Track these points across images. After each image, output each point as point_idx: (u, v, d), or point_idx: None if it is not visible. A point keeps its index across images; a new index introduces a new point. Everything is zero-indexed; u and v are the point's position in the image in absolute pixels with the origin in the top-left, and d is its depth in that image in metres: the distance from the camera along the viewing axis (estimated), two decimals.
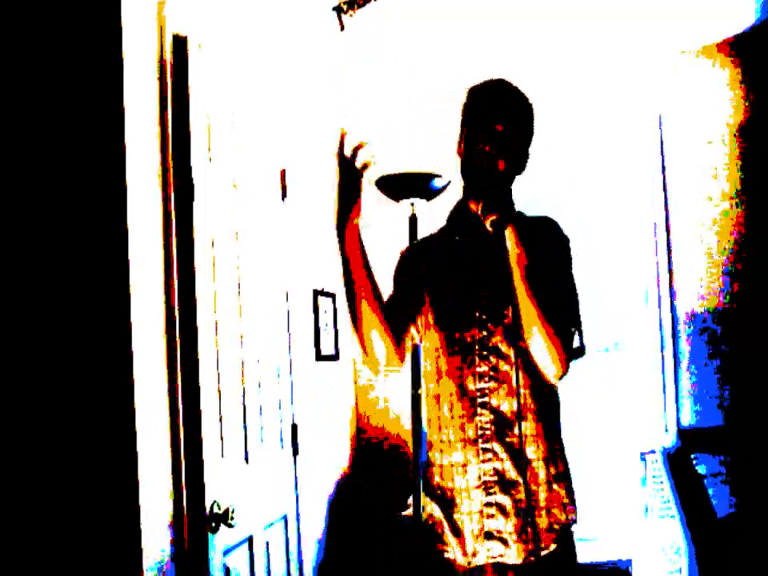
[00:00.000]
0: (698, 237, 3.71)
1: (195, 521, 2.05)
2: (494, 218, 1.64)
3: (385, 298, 1.80)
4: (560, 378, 1.69)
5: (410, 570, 3.22)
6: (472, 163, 1.77)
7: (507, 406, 1.73)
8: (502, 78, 1.82)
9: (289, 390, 2.90)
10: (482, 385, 1.74)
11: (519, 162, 1.81)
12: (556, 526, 1.73)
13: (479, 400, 1.74)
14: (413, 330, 1.85)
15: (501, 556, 1.71)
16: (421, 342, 1.87)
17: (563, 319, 1.69)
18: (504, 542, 1.71)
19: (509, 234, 1.64)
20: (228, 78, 2.49)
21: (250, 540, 2.40)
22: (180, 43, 2.13)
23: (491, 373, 1.74)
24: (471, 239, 1.83)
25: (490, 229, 1.65)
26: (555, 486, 1.74)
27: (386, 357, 1.74)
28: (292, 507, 2.85)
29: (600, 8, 3.23)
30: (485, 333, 1.75)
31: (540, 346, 1.64)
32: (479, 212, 1.68)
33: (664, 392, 3.74)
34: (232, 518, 2.13)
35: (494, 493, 1.72)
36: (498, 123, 1.73)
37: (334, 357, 3.82)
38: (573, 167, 4.00)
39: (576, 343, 1.73)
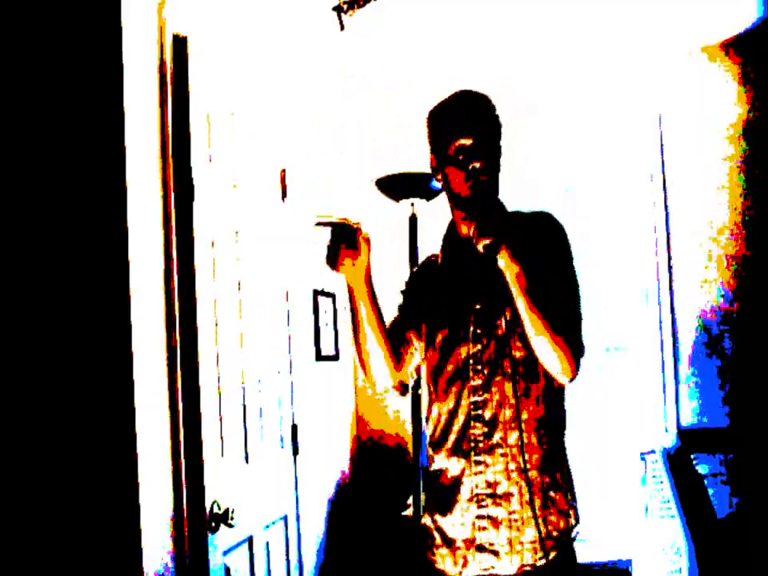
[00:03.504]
0: (697, 236, 3.71)
1: (195, 521, 2.05)
2: (486, 242, 1.60)
3: (382, 307, 1.84)
4: (571, 380, 1.68)
5: (410, 571, 3.22)
6: (452, 188, 1.78)
7: (500, 417, 1.72)
8: (455, 92, 1.81)
9: (289, 390, 2.90)
10: (475, 398, 1.74)
11: (498, 158, 1.79)
12: (555, 534, 1.71)
13: (473, 413, 1.74)
14: (412, 349, 1.90)
15: (492, 568, 1.70)
16: (423, 360, 1.89)
17: (569, 323, 1.68)
18: (496, 553, 1.70)
19: (503, 255, 1.61)
20: (228, 78, 2.49)
21: (249, 540, 2.40)
22: (180, 43, 2.13)
23: (485, 386, 1.74)
24: (464, 256, 1.82)
25: (481, 251, 1.62)
26: (552, 494, 1.72)
27: (388, 377, 1.86)
28: (292, 507, 2.85)
29: (601, 8, 3.23)
30: (479, 346, 1.75)
31: (548, 356, 1.64)
32: (471, 236, 1.64)
33: (664, 392, 3.74)
34: (232, 518, 2.13)
35: (486, 506, 1.71)
36: (460, 138, 1.73)
37: (334, 357, 3.82)
38: (573, 167, 4.00)
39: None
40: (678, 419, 3.69)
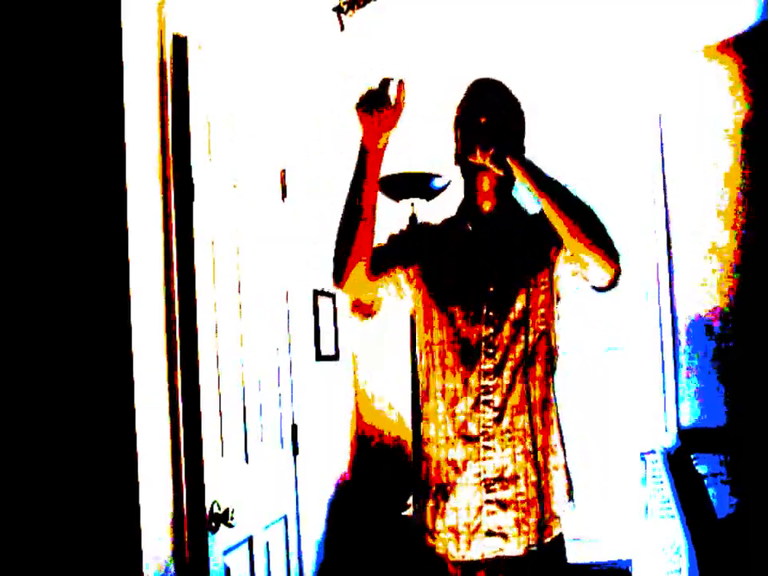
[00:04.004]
0: (697, 236, 3.71)
1: (195, 521, 2.05)
2: (491, 152, 1.68)
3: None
4: (613, 282, 1.68)
5: (410, 571, 3.22)
6: (462, 147, 1.82)
7: (510, 402, 1.73)
8: (485, 77, 1.87)
9: (289, 390, 2.90)
10: (486, 382, 1.74)
11: (516, 143, 1.83)
12: (556, 513, 1.76)
13: (483, 397, 1.74)
14: (386, 277, 1.86)
15: (501, 551, 1.72)
16: (430, 336, 1.85)
17: (599, 228, 1.66)
18: (504, 536, 1.72)
19: (512, 165, 1.67)
20: (228, 78, 2.49)
21: (249, 540, 2.40)
22: (180, 43, 2.13)
23: (496, 370, 1.74)
24: (477, 234, 1.83)
25: (491, 166, 1.69)
26: (554, 473, 1.76)
27: (362, 281, 1.78)
28: (292, 507, 2.85)
29: (601, 8, 3.23)
30: (491, 329, 1.75)
31: (579, 249, 1.64)
32: (477, 159, 1.71)
33: (664, 392, 3.74)
34: (232, 518, 2.13)
35: (495, 490, 1.72)
36: (483, 112, 1.78)
37: (334, 357, 3.82)
38: (572, 167, 4.00)
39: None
40: (677, 419, 3.69)
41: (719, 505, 3.38)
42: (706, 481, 3.43)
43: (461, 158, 1.84)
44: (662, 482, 3.40)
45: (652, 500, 3.45)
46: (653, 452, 3.51)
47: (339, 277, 1.75)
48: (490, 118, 1.77)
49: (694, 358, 3.69)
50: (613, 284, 1.71)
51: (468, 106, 1.84)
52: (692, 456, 3.49)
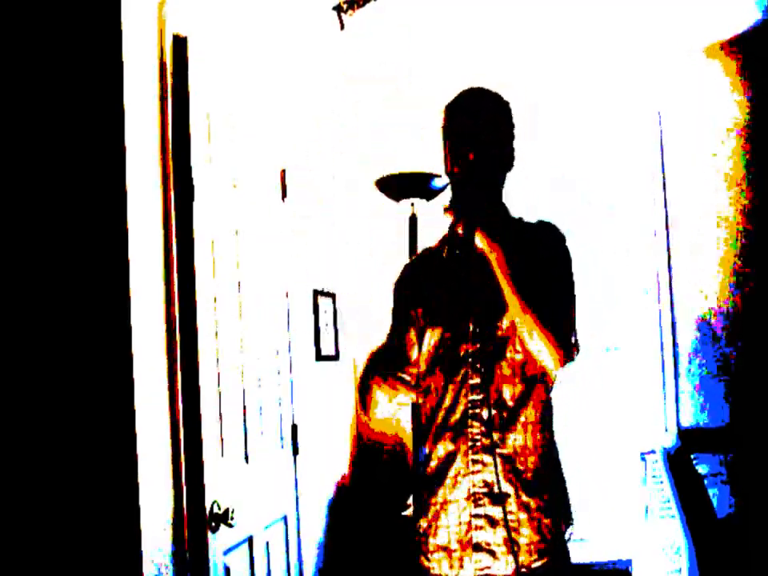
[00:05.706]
0: (697, 236, 3.71)
1: (195, 521, 2.05)
2: (462, 223, 1.69)
3: (381, 307, 1.91)
4: (560, 368, 1.69)
5: (410, 571, 3.22)
6: (451, 176, 1.82)
7: (498, 417, 1.73)
8: (471, 87, 1.86)
9: (289, 390, 2.90)
10: (474, 397, 1.74)
11: (501, 160, 1.83)
12: (548, 537, 1.71)
13: (470, 411, 1.74)
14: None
15: (488, 568, 1.70)
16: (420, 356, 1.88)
17: (556, 316, 1.69)
18: (492, 554, 1.70)
19: (480, 238, 1.68)
20: (228, 78, 2.49)
21: (249, 540, 2.40)
22: (180, 43, 2.13)
23: (483, 385, 1.74)
24: (464, 253, 1.83)
25: (461, 233, 1.70)
26: (546, 497, 1.72)
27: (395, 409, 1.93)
28: (292, 507, 2.85)
29: (601, 8, 3.23)
30: (478, 346, 1.76)
31: (533, 342, 1.66)
32: (453, 222, 1.72)
33: (664, 392, 3.74)
34: (232, 518, 2.13)
35: (483, 504, 1.71)
36: (464, 141, 1.79)
37: (334, 357, 3.82)
38: (572, 167, 4.00)
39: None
40: (677, 419, 3.69)
41: (719, 505, 3.38)
42: (705, 481, 3.43)
43: (449, 175, 1.85)
44: (661, 482, 3.40)
45: (652, 500, 3.45)
46: (653, 452, 3.51)
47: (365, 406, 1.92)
48: (470, 148, 1.76)
49: (693, 358, 3.69)
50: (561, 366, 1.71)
51: (449, 127, 1.83)
52: (692, 456, 3.49)
